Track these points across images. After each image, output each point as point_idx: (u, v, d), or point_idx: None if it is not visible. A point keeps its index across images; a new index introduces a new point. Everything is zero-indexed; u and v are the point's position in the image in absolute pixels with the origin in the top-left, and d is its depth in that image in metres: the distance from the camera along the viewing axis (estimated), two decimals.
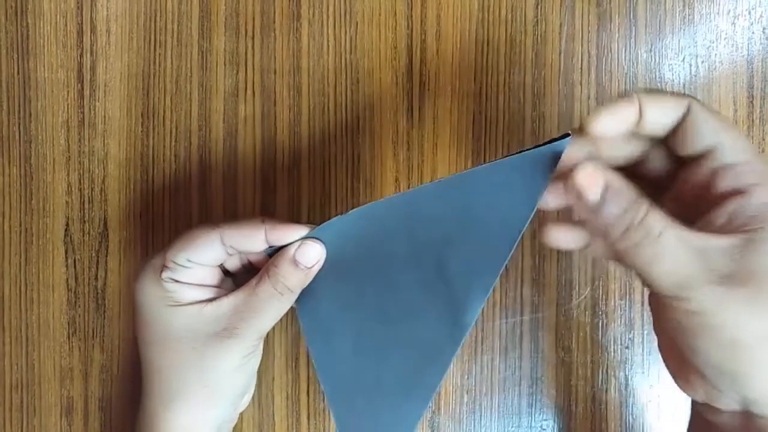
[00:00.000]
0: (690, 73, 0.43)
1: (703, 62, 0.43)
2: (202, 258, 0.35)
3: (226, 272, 0.38)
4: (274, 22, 0.43)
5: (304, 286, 0.36)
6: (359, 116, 0.43)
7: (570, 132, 0.30)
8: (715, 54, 0.43)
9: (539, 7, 0.43)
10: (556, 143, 0.30)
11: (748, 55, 0.43)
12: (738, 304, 0.28)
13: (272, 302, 0.35)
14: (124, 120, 0.44)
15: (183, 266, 0.35)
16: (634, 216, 0.27)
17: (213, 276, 0.37)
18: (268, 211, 0.44)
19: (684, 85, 0.43)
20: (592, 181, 0.28)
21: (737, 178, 0.29)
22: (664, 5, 0.43)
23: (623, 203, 0.28)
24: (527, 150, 0.31)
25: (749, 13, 0.43)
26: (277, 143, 0.43)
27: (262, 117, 0.43)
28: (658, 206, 0.28)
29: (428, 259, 0.34)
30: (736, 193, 0.29)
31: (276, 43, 0.43)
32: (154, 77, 0.44)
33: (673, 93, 0.31)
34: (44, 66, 0.44)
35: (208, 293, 0.36)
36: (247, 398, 0.41)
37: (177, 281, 0.36)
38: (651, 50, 0.43)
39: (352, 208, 0.34)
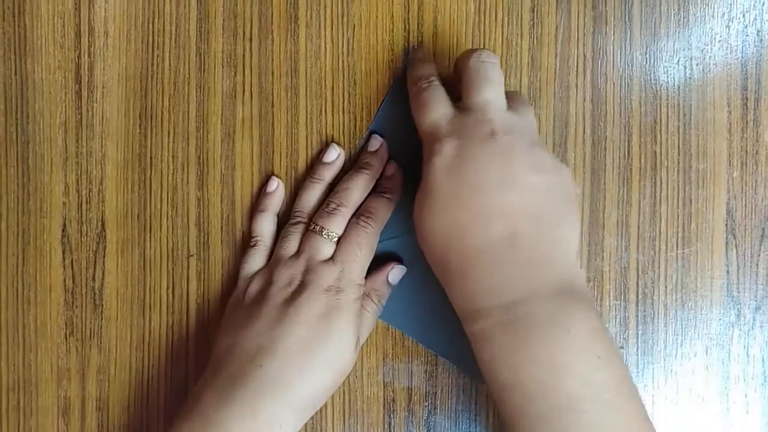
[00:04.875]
0: (684, 75, 0.43)
1: (697, 64, 0.43)
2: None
3: None
4: (272, 24, 0.43)
5: None
6: (356, 118, 0.44)
7: None
8: (710, 56, 0.43)
9: (535, 10, 0.43)
10: None
11: (742, 57, 0.43)
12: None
13: (374, 315, 0.42)
14: (122, 121, 0.44)
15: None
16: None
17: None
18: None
19: (678, 87, 0.43)
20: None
21: None
22: (659, 8, 0.43)
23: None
24: None
25: (743, 15, 0.43)
26: (274, 145, 0.44)
27: (259, 119, 0.44)
28: None
29: None
30: None
31: (274, 45, 0.43)
32: (152, 79, 0.44)
33: None
34: (42, 67, 0.44)
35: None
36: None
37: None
38: (646, 52, 0.43)
39: None
